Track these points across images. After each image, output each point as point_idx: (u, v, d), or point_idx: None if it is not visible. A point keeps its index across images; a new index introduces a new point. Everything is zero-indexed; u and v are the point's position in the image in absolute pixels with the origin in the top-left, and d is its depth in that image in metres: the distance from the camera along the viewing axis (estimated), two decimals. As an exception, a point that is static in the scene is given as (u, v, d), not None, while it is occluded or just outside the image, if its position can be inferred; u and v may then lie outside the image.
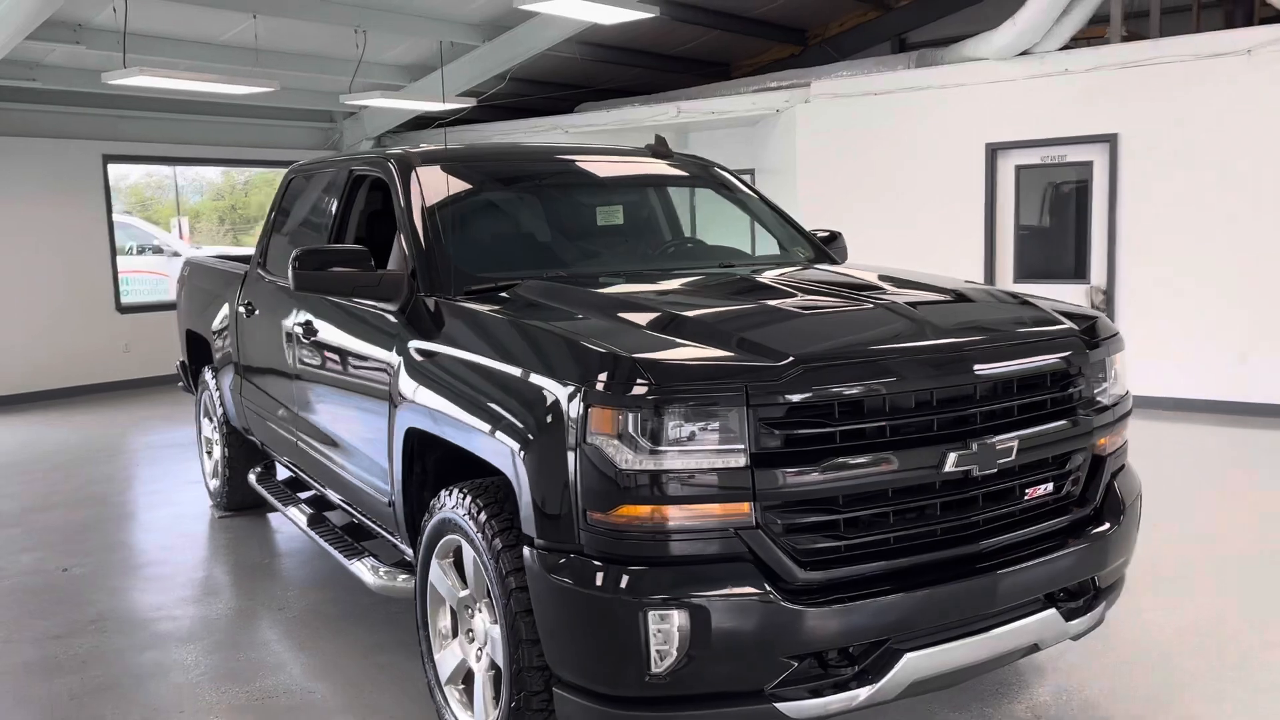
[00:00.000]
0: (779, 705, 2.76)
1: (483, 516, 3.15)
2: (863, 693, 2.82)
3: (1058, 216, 9.70)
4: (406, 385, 3.62)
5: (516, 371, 3.04)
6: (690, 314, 3.20)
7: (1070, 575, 3.20)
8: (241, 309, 5.61)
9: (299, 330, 4.69)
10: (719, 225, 4.75)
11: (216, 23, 10.39)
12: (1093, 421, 3.27)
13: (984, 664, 3.09)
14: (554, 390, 2.85)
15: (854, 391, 2.81)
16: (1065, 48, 9.46)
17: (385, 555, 4.28)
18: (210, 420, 6.66)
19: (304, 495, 5.38)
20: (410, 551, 3.99)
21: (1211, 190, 8.67)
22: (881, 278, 3.77)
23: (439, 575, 3.50)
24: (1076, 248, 9.50)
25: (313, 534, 4.79)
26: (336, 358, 4.34)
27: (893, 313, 3.20)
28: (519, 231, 4.49)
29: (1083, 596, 3.30)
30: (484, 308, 3.50)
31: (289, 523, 6.20)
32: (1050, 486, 3.21)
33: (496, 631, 3.19)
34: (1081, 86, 9.23)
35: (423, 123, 14.15)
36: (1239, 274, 8.60)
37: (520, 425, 2.94)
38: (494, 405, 3.08)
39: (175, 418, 9.99)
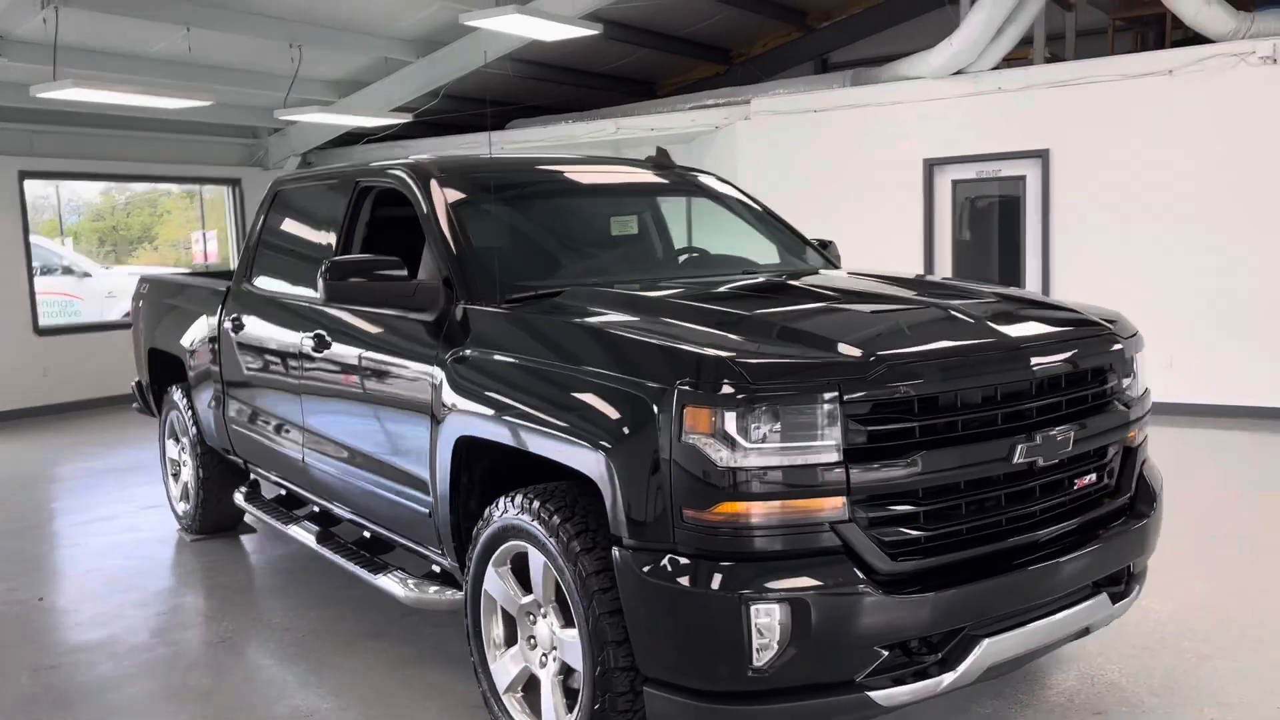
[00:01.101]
0: (871, 694, 2.84)
1: (556, 520, 3.17)
2: (946, 678, 2.92)
3: (993, 228, 10.08)
4: (453, 394, 3.61)
5: (599, 375, 3.06)
6: (760, 316, 3.28)
7: (1117, 561, 3.36)
8: (227, 324, 5.49)
9: (308, 344, 4.62)
10: (720, 236, 4.84)
11: (146, 35, 10.12)
12: (1128, 414, 3.45)
13: (1046, 648, 3.23)
14: (645, 392, 2.89)
15: (932, 388, 2.92)
16: (996, 68, 9.85)
17: (411, 567, 4.25)
18: (178, 441, 6.48)
19: (300, 513, 5.29)
20: (446, 562, 3.98)
21: (1138, 202, 9.13)
22: (916, 281, 3.92)
23: (496, 583, 3.50)
24: (1012, 258, 9.88)
25: (325, 550, 4.72)
26: (356, 371, 4.29)
27: (949, 312, 3.34)
28: (544, 241, 4.51)
29: (1122, 582, 3.47)
30: (545, 314, 3.52)
31: (268, 544, 6.13)
32: (1094, 477, 3.37)
33: (569, 635, 3.20)
34: (1014, 104, 9.64)
35: (352, 139, 13.96)
36: (1165, 282, 9.06)
37: (607, 428, 2.97)
38: (573, 410, 3.10)
39: (106, 442, 9.68)
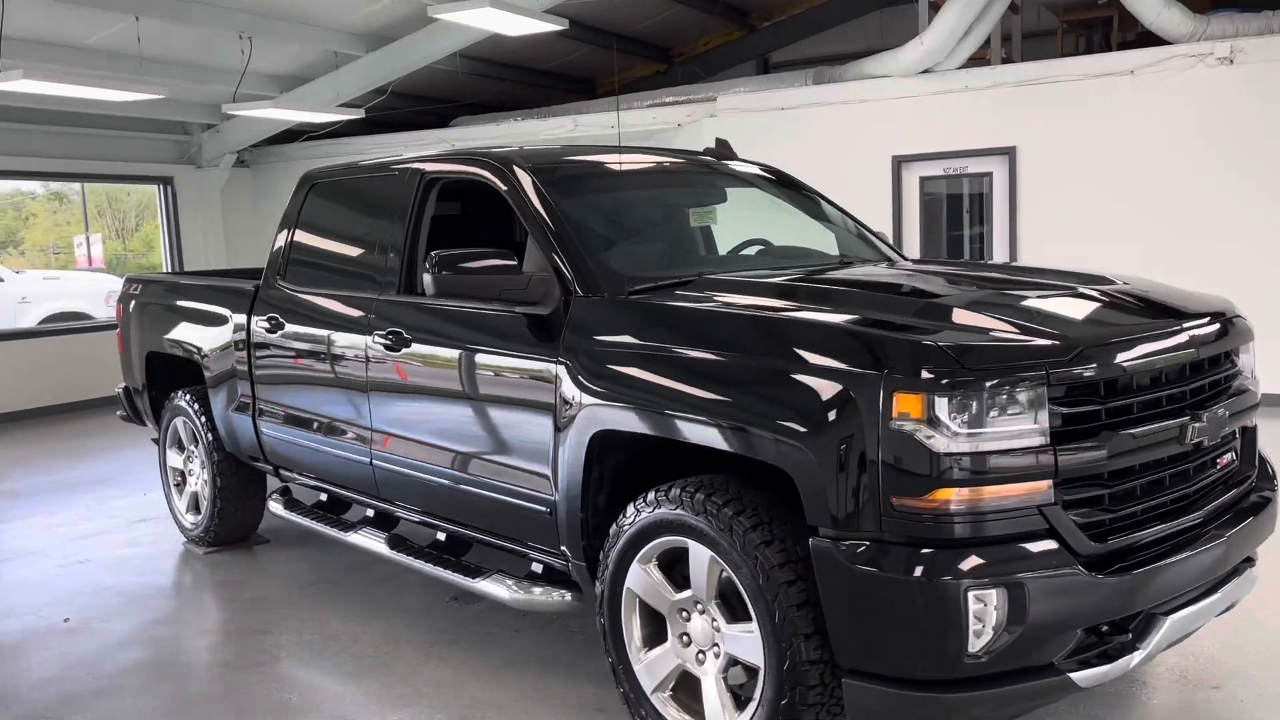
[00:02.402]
0: (1072, 676, 2.86)
1: (728, 513, 3.10)
2: (1136, 656, 2.96)
3: (961, 224, 10.30)
4: (583, 389, 3.51)
5: (784, 364, 3.00)
6: (938, 302, 3.25)
7: (1258, 538, 3.45)
8: (260, 325, 5.24)
9: (379, 342, 4.43)
10: (783, 227, 4.82)
11: (86, 27, 9.62)
12: (1257, 395, 3.55)
13: (1204, 623, 3.30)
14: (845, 379, 2.85)
15: (1119, 370, 2.95)
16: (961, 67, 10.07)
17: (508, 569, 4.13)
18: (183, 450, 6.16)
19: (344, 518, 5.09)
20: (556, 562, 3.88)
21: (1102, 197, 9.44)
22: (1018, 268, 3.96)
23: (641, 580, 3.41)
24: (980, 253, 10.12)
25: (400, 557, 4.54)
26: (446, 368, 4.14)
27: (1104, 298, 3.38)
28: (635, 232, 4.42)
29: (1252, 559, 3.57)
30: (701, 304, 3.44)
31: (287, 553, 5.89)
32: (1231, 457, 3.46)
33: (739, 631, 3.14)
34: (981, 103, 9.87)
35: (290, 136, 13.52)
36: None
37: (800, 418, 2.91)
38: (754, 400, 3.04)
39: (55, 454, 9.21)
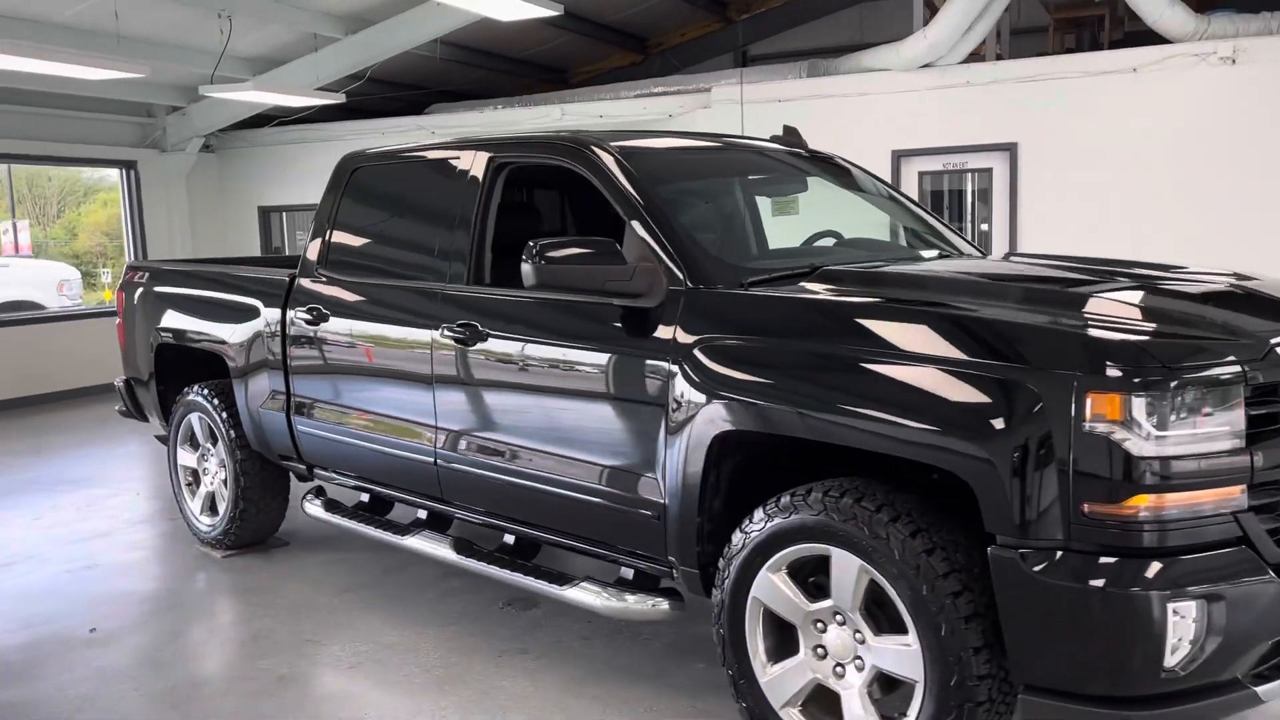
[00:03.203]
0: (1256, 689, 2.74)
1: (882, 517, 2.93)
2: (1315, 670, 2.85)
3: (960, 220, 10.26)
4: (704, 388, 3.31)
5: (954, 362, 2.83)
6: (1109, 297, 3.08)
7: None
8: (299, 317, 4.94)
9: (449, 335, 4.18)
10: (854, 218, 4.67)
11: (59, 2, 9.13)
12: None
13: None
14: (1030, 379, 2.68)
15: None
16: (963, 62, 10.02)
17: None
18: (197, 448, 5.82)
19: (392, 519, 4.83)
20: (646, 568, 3.70)
21: (1103, 195, 9.45)
22: (1124, 261, 3.85)
23: (771, 589, 3.22)
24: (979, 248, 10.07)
25: (471, 562, 4.29)
26: (532, 364, 3.90)
27: (1251, 293, 3.27)
28: (728, 221, 4.23)
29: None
30: (844, 298, 3.25)
31: (309, 556, 5.63)
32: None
33: (891, 644, 2.98)
34: (982, 98, 9.82)
35: (260, 120, 13.04)
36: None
37: (982, 419, 2.74)
38: (922, 401, 2.85)
39: (16, 453, 8.76)
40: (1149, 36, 11.07)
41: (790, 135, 4.85)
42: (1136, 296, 3.14)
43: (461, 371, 4.18)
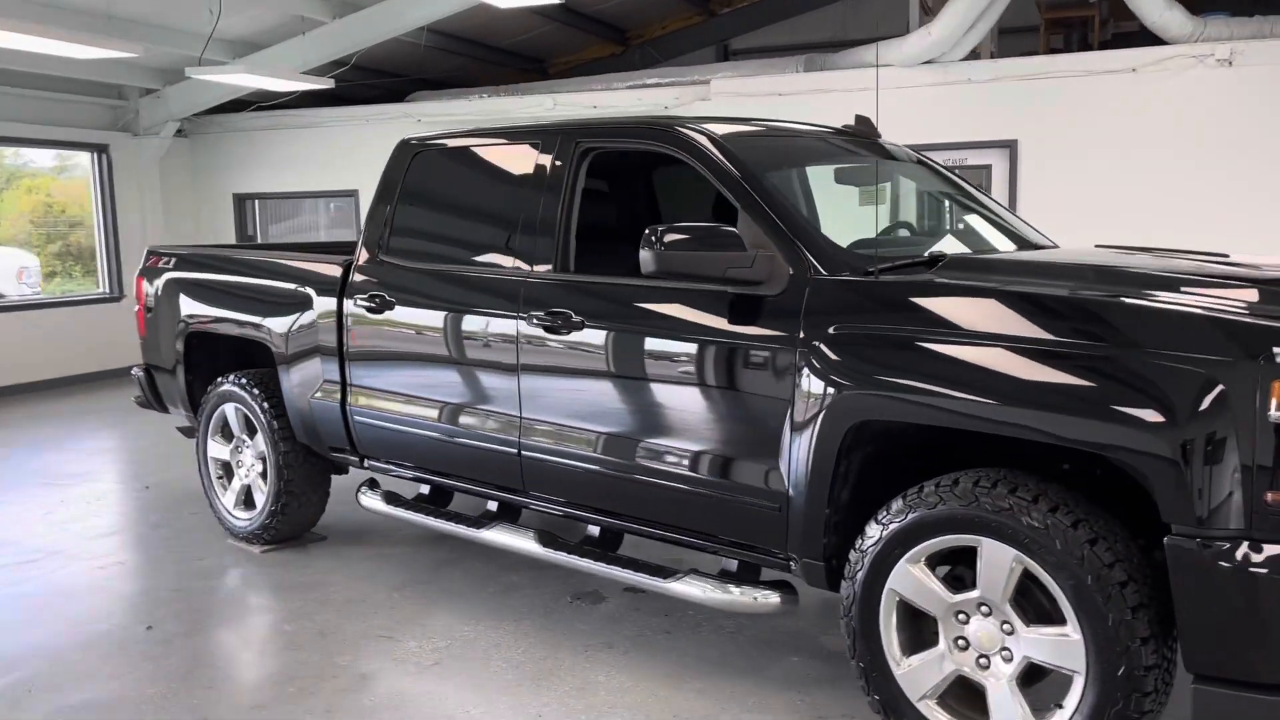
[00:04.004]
0: None
1: (1042, 508, 2.91)
2: None
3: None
4: (840, 378, 3.26)
5: (1131, 352, 2.80)
6: (1269, 287, 3.08)
7: None
8: (359, 305, 4.79)
9: (536, 323, 4.08)
10: (927, 211, 4.66)
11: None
12: None
13: None
14: (1213, 368, 2.67)
15: None
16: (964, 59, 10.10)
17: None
18: (230, 439, 5.64)
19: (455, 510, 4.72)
20: (776, 560, 3.63)
21: (1102, 193, 9.59)
22: (1204, 251, 3.88)
23: (910, 580, 3.19)
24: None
25: (560, 556, 4.20)
26: (642, 353, 3.82)
27: None
28: (832, 209, 4.17)
29: None
30: (987, 285, 3.21)
31: (351, 550, 5.51)
32: None
33: (1046, 634, 2.96)
34: (982, 95, 9.91)
35: (237, 105, 12.70)
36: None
37: (1160, 409, 2.72)
38: (1092, 391, 2.83)
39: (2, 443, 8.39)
40: (1136, 38, 11.29)
41: (862, 124, 4.82)
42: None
43: (552, 360, 4.09)
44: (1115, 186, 9.53)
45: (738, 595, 3.72)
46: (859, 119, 4.88)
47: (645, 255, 3.51)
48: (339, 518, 5.82)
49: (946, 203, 4.73)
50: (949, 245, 4.42)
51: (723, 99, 10.74)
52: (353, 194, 12.85)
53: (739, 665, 4.05)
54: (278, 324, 5.18)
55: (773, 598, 3.68)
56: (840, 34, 14.09)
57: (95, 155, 12.28)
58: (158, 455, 7.79)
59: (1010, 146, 9.85)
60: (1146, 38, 11.00)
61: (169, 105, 12.33)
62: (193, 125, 13.09)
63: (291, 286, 5.15)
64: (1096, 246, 4.27)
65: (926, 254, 3.74)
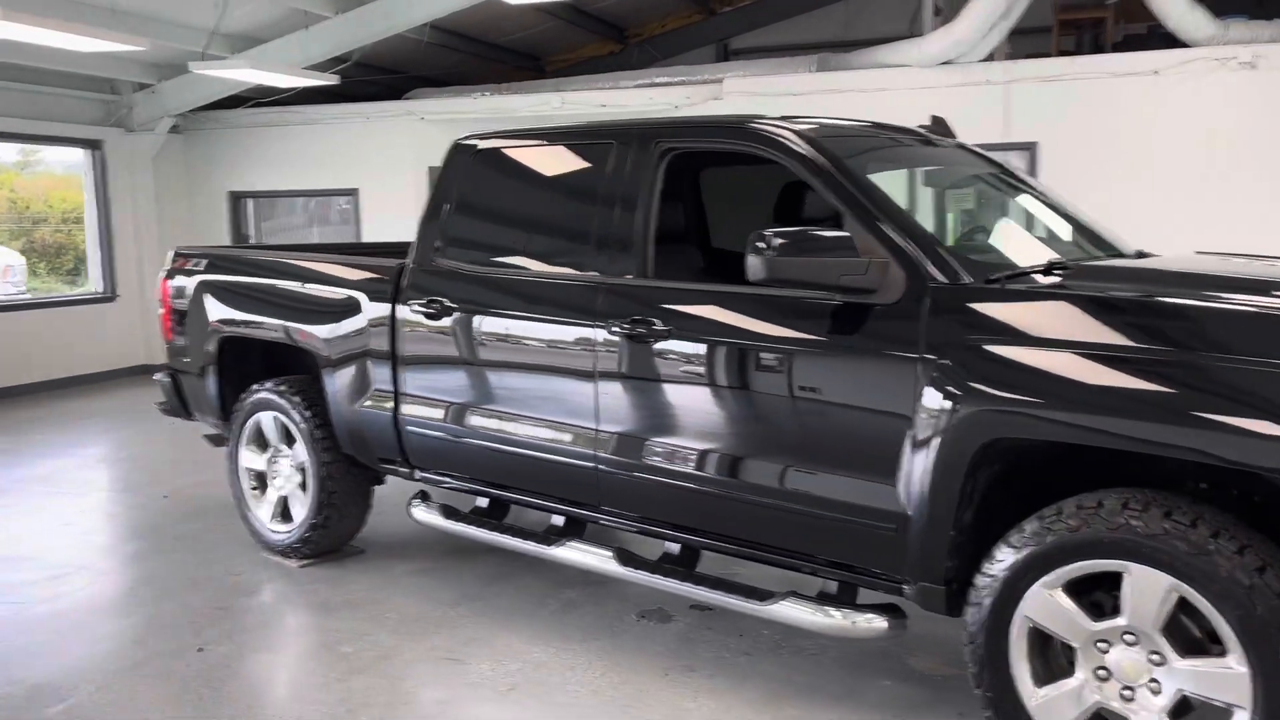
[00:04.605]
0: None
1: (1202, 532, 2.75)
2: None
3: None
4: (969, 393, 3.09)
5: None
6: None
7: None
8: (414, 310, 4.58)
9: (621, 333, 3.88)
10: (1002, 215, 4.51)
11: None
12: None
13: None
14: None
15: None
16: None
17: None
18: (265, 449, 5.40)
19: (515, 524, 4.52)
20: (887, 582, 3.45)
21: (1124, 196, 9.48)
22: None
23: (1047, 606, 3.03)
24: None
25: (640, 575, 4.00)
26: (742, 364, 3.64)
27: None
28: (929, 214, 4.01)
29: None
30: (1163, 297, 3.03)
31: (393, 564, 5.28)
32: None
33: (1204, 666, 2.81)
34: (1002, 97, 9.81)
35: (233, 101, 12.37)
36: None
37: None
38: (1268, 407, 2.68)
39: None
40: (1145, 40, 11.25)
41: (938, 126, 4.67)
42: None
43: (636, 371, 3.89)
44: (1136, 189, 9.44)
45: (841, 620, 3.54)
46: (935, 119, 4.74)
47: (754, 261, 3.33)
48: (372, 530, 5.59)
49: (1024, 207, 4.58)
50: (1037, 252, 4.26)
51: (736, 98, 10.57)
52: (353, 193, 12.59)
53: (832, 691, 3.88)
54: (323, 330, 4.95)
55: (879, 622, 3.51)
56: (842, 34, 13.96)
57: (90, 152, 11.93)
58: (169, 462, 7.52)
59: (1030, 149, 9.75)
60: (1156, 40, 10.96)
61: (164, 101, 12.00)
62: (187, 121, 12.76)
63: (340, 291, 4.92)
64: (1197, 253, 4.14)
65: (1045, 261, 3.58)
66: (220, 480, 6.85)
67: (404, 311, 4.64)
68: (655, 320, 3.83)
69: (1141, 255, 4.24)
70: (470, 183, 4.63)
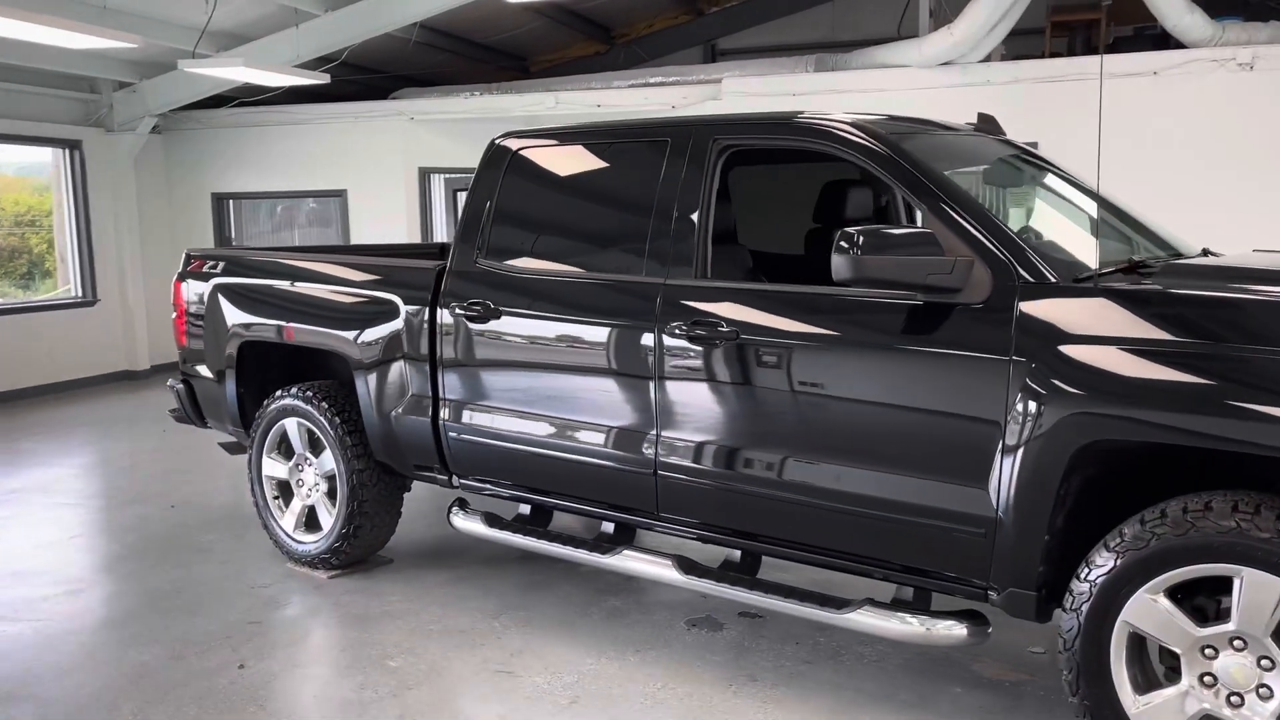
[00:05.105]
0: None
1: (1327, 534, 2.71)
2: None
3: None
4: (1067, 395, 3.02)
5: None
6: None
7: None
8: (460, 313, 4.45)
9: (683, 336, 3.78)
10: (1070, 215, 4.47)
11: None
12: None
13: None
14: None
15: None
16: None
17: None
18: (290, 457, 5.24)
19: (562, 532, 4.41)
20: (972, 589, 3.38)
21: (1123, 196, 9.53)
22: None
23: (1150, 613, 2.96)
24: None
25: (705, 584, 3.90)
26: (816, 366, 3.55)
27: None
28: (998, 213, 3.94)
29: None
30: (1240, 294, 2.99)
31: (437, 574, 5.13)
32: None
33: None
34: (1002, 98, 9.79)
35: (217, 101, 12.12)
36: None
37: None
38: None
39: None
40: (1135, 42, 11.32)
41: (987, 123, 4.61)
42: None
43: (701, 375, 3.79)
44: (1136, 189, 9.45)
45: (918, 627, 3.46)
46: (983, 117, 4.70)
47: (840, 260, 3.25)
48: (396, 538, 5.43)
49: (1082, 206, 4.53)
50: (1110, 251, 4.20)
51: (734, 99, 10.51)
52: (341, 194, 12.39)
53: (904, 699, 3.80)
54: (356, 334, 4.80)
55: (959, 629, 3.43)
56: (830, 36, 13.95)
57: (67, 153, 11.64)
58: (167, 471, 7.31)
59: (1032, 148, 9.73)
60: (1143, 42, 11.05)
61: (146, 100, 11.73)
62: (168, 121, 12.49)
63: (374, 293, 4.78)
64: (1254, 251, 4.11)
65: (1128, 260, 3.53)
66: (227, 488, 6.73)
67: (445, 315, 4.51)
68: (720, 322, 3.73)
69: (1207, 254, 4.18)
70: (513, 182, 4.51)
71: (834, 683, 3.93)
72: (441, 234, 13.73)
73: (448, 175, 13.25)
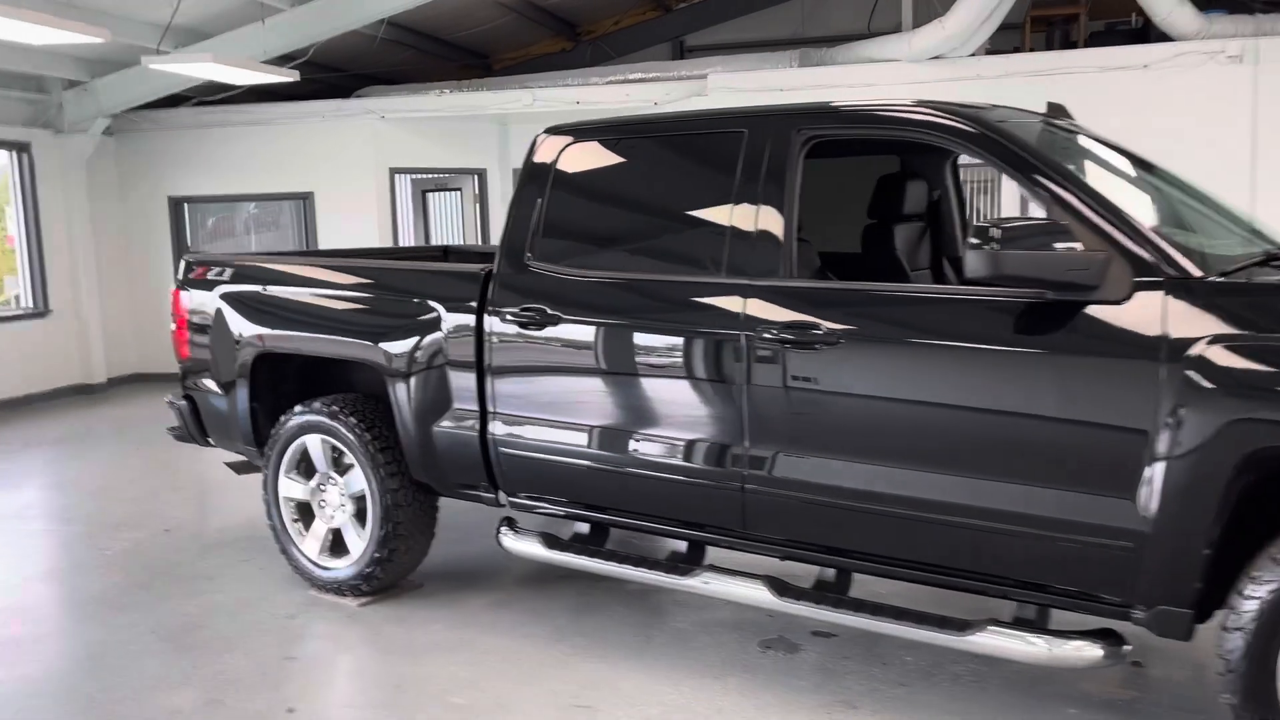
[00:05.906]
0: None
1: None
2: None
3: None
4: (1232, 399, 2.82)
5: None
6: None
7: None
8: (511, 320, 4.14)
9: (777, 339, 3.52)
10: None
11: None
12: None
13: None
14: None
15: None
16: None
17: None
18: (308, 477, 4.87)
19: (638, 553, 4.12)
20: (1112, 607, 3.16)
21: (1114, 189, 9.50)
22: None
23: (1327, 633, 2.77)
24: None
25: (802, 607, 3.63)
26: (947, 371, 3.29)
27: None
28: None
29: None
30: None
31: (477, 599, 4.83)
32: None
33: None
34: (993, 92, 9.67)
35: (172, 101, 11.57)
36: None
37: None
38: None
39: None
40: (1108, 37, 11.31)
41: (1057, 111, 4.42)
42: None
43: (797, 381, 3.53)
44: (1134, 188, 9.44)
45: (1047, 648, 3.23)
46: (1052, 106, 4.52)
47: (975, 257, 3.01)
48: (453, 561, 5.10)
49: (1173, 196, 4.38)
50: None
51: (719, 94, 10.28)
52: (307, 196, 11.92)
53: (1014, 722, 3.58)
54: (393, 345, 4.45)
55: (1092, 650, 3.21)
56: (800, 32, 13.78)
57: (15, 155, 11.00)
58: (150, 492, 6.84)
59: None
60: (1118, 36, 11.04)
61: (99, 99, 11.13)
62: (121, 122, 11.88)
63: (411, 300, 4.44)
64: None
65: (1262, 252, 3.34)
66: (220, 509, 6.35)
67: (494, 322, 4.19)
68: (817, 325, 3.47)
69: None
70: (564, 178, 4.20)
71: (939, 706, 3.69)
72: (409, 237, 13.32)
73: (415, 176, 12.84)
